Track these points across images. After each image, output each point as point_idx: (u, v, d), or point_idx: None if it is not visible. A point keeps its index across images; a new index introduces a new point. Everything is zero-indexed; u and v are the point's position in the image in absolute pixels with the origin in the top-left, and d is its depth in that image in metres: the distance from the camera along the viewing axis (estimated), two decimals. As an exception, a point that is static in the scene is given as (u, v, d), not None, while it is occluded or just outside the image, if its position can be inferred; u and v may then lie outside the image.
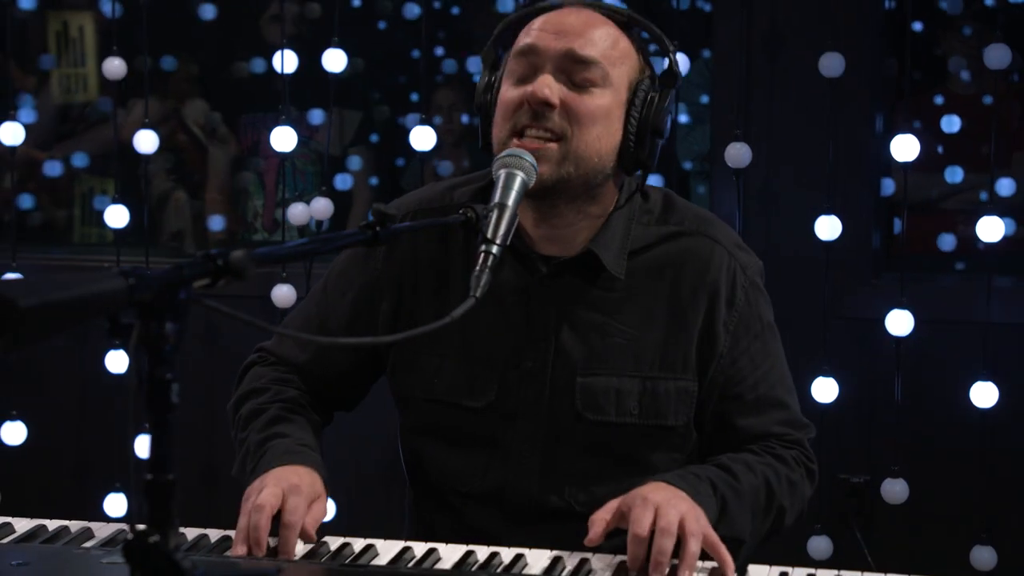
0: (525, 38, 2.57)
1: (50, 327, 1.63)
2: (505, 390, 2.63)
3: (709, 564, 2.36)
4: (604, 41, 2.55)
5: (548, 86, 2.50)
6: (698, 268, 2.63)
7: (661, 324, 2.62)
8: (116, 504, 4.57)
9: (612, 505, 2.40)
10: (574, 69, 2.52)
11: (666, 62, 2.63)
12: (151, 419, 1.72)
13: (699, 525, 2.33)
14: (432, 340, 2.21)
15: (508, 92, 2.56)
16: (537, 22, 2.58)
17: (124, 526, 2.44)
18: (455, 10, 6.47)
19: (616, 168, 2.59)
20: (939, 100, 5.44)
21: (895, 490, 4.21)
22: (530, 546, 2.46)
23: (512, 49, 2.60)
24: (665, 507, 2.32)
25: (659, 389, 2.62)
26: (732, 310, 2.64)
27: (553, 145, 2.50)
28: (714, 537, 2.35)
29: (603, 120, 2.53)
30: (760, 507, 2.56)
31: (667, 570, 2.29)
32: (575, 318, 2.62)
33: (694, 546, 2.30)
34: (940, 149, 5.40)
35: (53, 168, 6.00)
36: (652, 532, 2.30)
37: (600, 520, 2.39)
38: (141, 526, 1.70)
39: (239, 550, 2.38)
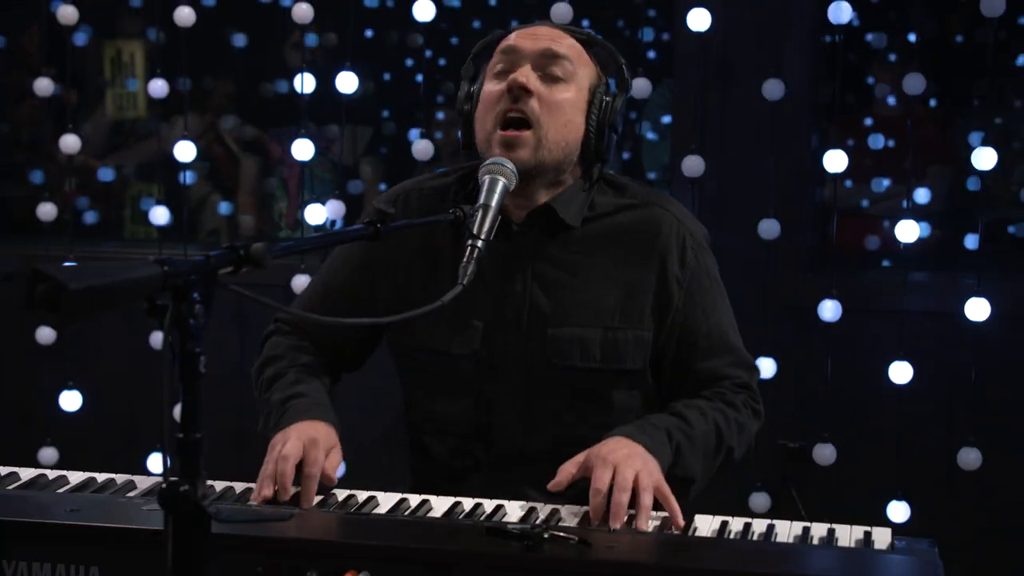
0: (505, 43, 2.67)
1: (96, 306, 1.66)
2: (488, 341, 2.66)
3: (662, 514, 2.38)
4: (571, 47, 2.66)
5: (526, 74, 2.59)
6: (651, 232, 2.68)
7: (619, 281, 2.67)
8: (157, 462, 4.58)
9: (578, 459, 2.44)
10: (548, 64, 2.61)
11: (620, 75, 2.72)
12: (182, 386, 1.74)
13: (652, 480, 2.36)
14: (423, 301, 2.24)
15: (491, 86, 2.64)
16: (514, 32, 2.69)
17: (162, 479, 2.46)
18: (454, 40, 6.48)
19: (579, 158, 2.66)
20: (868, 121, 5.46)
21: (825, 453, 4.23)
22: (516, 485, 2.51)
23: (492, 56, 2.68)
24: (622, 465, 2.36)
25: (618, 337, 2.65)
26: (684, 268, 2.68)
27: (528, 133, 2.57)
28: (666, 490, 2.38)
29: (570, 111, 2.61)
30: (711, 449, 2.60)
31: (624, 518, 2.32)
32: (545, 276, 2.66)
33: (647, 499, 2.33)
34: (869, 162, 5.42)
35: (106, 175, 6.01)
36: (611, 487, 2.33)
37: (566, 471, 2.44)
38: (174, 478, 1.72)
39: (266, 491, 2.40)
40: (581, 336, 2.65)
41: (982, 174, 4.19)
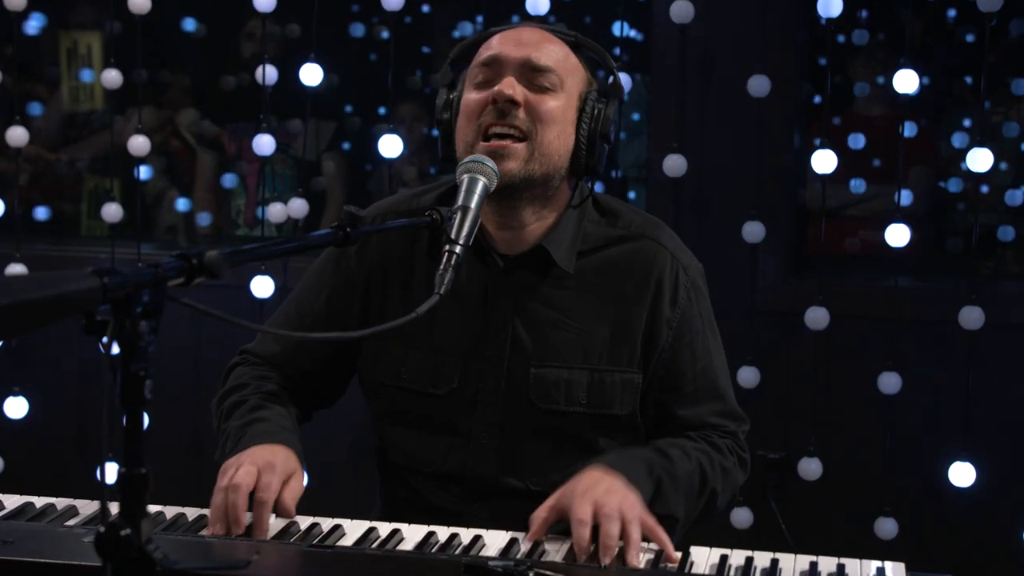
0: (486, 51, 2.44)
1: (25, 324, 1.44)
2: (466, 378, 2.48)
3: (654, 547, 2.19)
4: (557, 54, 2.43)
5: (511, 85, 2.37)
6: (644, 268, 2.49)
7: (609, 320, 2.48)
8: (110, 473, 4.36)
9: (549, 503, 2.25)
10: (533, 76, 2.40)
11: (611, 79, 2.49)
12: (125, 413, 1.53)
13: (636, 512, 2.19)
14: (399, 331, 2.03)
15: (472, 95, 2.41)
16: (496, 38, 2.46)
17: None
18: (420, 36, 6.31)
19: (569, 171, 2.44)
20: (848, 120, 5.29)
21: (810, 467, 4.08)
22: (488, 523, 2.30)
23: (472, 62, 2.46)
24: (603, 498, 2.18)
25: (606, 380, 2.47)
26: (675, 308, 2.49)
27: (520, 145, 2.35)
28: (652, 522, 2.21)
29: (560, 121, 2.40)
30: (694, 490, 2.42)
31: (616, 552, 2.13)
32: (529, 312, 2.47)
33: (635, 532, 2.15)
34: (847, 163, 5.25)
35: (60, 168, 5.80)
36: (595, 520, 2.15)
37: (539, 519, 2.24)
38: (114, 519, 1.51)
39: (217, 529, 2.19)
40: (567, 378, 2.46)
41: (977, 176, 4.00)
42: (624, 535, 2.15)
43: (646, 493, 2.28)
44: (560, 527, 2.24)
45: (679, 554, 2.17)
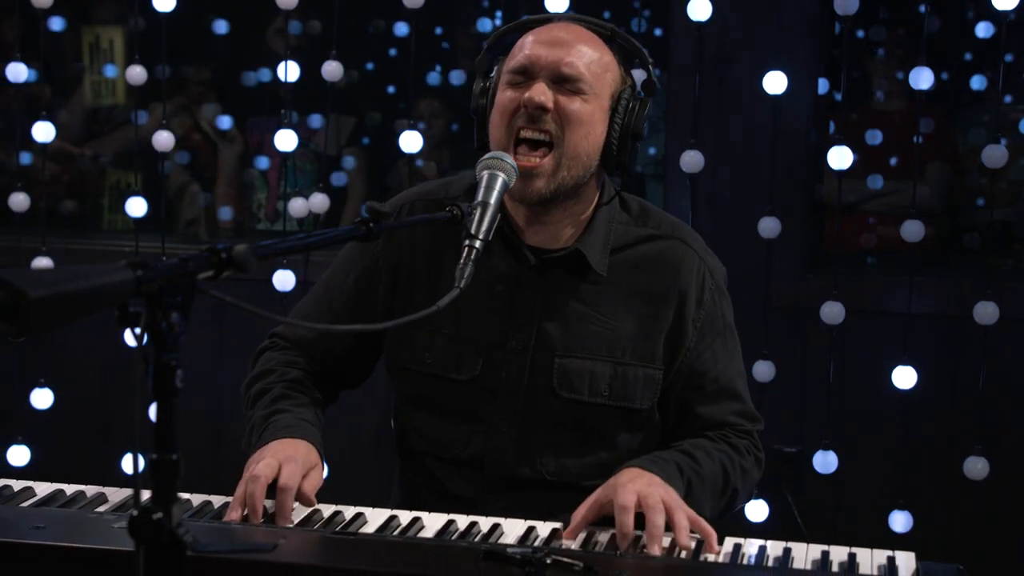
0: (520, 52, 2.49)
1: (61, 317, 1.49)
2: (489, 366, 2.52)
3: (668, 536, 2.23)
4: (589, 56, 2.47)
5: (543, 92, 2.42)
6: (672, 269, 2.54)
7: (635, 316, 2.53)
8: (131, 465, 4.40)
9: (591, 500, 2.30)
10: (565, 81, 2.44)
11: (645, 73, 2.55)
12: (156, 402, 1.58)
13: (679, 503, 2.26)
14: (426, 318, 2.08)
15: (506, 94, 2.46)
16: (530, 36, 2.50)
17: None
18: (439, 30, 6.33)
19: (599, 168, 2.50)
20: (868, 116, 5.31)
21: (826, 461, 4.10)
22: (503, 512, 2.35)
23: (507, 60, 2.51)
24: (646, 490, 2.24)
25: (629, 374, 2.52)
26: (700, 309, 2.54)
27: (547, 160, 2.41)
28: (693, 513, 2.27)
29: (589, 122, 2.44)
30: (718, 490, 2.49)
31: (662, 540, 2.19)
32: (558, 306, 2.52)
33: (682, 518, 2.22)
34: (864, 159, 5.27)
35: (83, 163, 5.85)
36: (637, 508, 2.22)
37: (581, 516, 2.29)
38: (146, 503, 1.56)
39: (234, 515, 2.26)
40: (591, 369, 2.50)
41: (989, 172, 4.03)
42: (671, 521, 2.20)
43: (679, 491, 2.34)
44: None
45: (694, 543, 2.22)
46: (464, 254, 2.17)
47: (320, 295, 2.68)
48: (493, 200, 2.25)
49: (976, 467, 3.95)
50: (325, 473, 2.43)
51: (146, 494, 1.57)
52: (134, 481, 1.57)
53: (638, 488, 2.24)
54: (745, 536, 2.26)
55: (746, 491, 2.57)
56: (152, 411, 1.58)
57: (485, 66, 2.56)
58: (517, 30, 2.54)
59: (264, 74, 5.82)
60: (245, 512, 2.25)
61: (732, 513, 2.57)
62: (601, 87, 2.46)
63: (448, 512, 2.34)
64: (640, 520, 2.21)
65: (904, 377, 4.04)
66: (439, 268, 2.53)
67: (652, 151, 5.49)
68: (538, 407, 2.52)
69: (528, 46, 2.47)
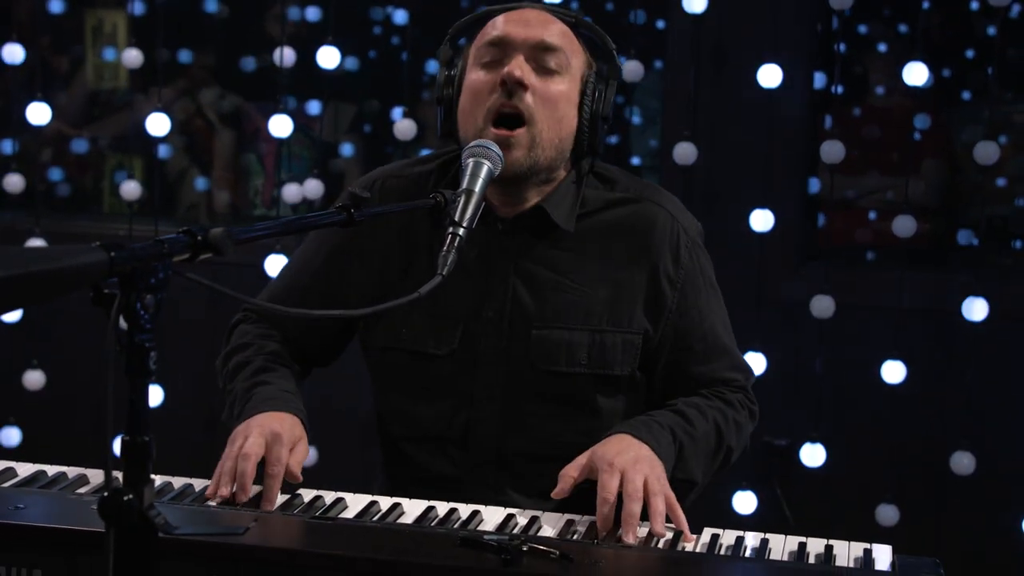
0: (492, 31, 2.48)
1: (32, 295, 1.49)
2: (467, 339, 2.51)
3: (646, 526, 2.23)
4: (563, 35, 2.48)
5: (521, 67, 2.41)
6: (644, 230, 2.53)
7: (609, 281, 2.52)
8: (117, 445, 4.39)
9: (580, 461, 2.31)
10: (541, 56, 2.44)
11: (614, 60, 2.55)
12: (129, 383, 1.58)
13: (660, 486, 2.25)
14: (400, 292, 2.06)
15: (479, 75, 2.45)
16: (501, 18, 2.50)
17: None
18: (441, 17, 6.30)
19: (571, 153, 2.50)
20: (861, 111, 5.30)
21: (814, 454, 4.10)
22: (489, 489, 2.37)
23: (476, 41, 2.50)
24: (630, 471, 2.23)
25: (607, 341, 2.50)
26: (678, 267, 2.53)
27: (521, 131, 2.40)
28: (673, 500, 2.26)
29: (564, 104, 2.44)
30: (711, 449, 2.49)
31: (637, 531, 2.19)
32: (530, 274, 2.51)
33: (660, 505, 2.22)
34: (860, 154, 5.26)
35: (81, 145, 5.85)
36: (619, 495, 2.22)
37: (568, 476, 2.30)
38: (117, 484, 1.56)
39: (223, 490, 2.25)
40: (568, 339, 2.49)
41: (984, 169, 4.02)
42: (648, 507, 2.21)
43: (669, 461, 2.35)
44: (556, 504, 2.30)
45: (670, 534, 2.22)
46: (447, 241, 2.15)
47: (290, 279, 2.67)
48: (478, 188, 2.24)
49: (963, 462, 3.96)
50: (313, 456, 2.43)
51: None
52: (105, 462, 1.57)
53: (623, 466, 2.23)
54: (734, 528, 2.26)
55: (740, 446, 2.57)
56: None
57: (448, 56, 2.54)
58: (484, 17, 2.54)
59: (262, 60, 5.80)
60: (234, 489, 2.25)
61: (727, 469, 2.57)
62: (574, 67, 2.46)
63: (435, 494, 2.33)
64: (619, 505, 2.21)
65: (893, 372, 4.04)
66: (414, 246, 2.52)
67: (653, 143, 5.49)
68: (518, 379, 2.50)
69: (500, 25, 2.47)
